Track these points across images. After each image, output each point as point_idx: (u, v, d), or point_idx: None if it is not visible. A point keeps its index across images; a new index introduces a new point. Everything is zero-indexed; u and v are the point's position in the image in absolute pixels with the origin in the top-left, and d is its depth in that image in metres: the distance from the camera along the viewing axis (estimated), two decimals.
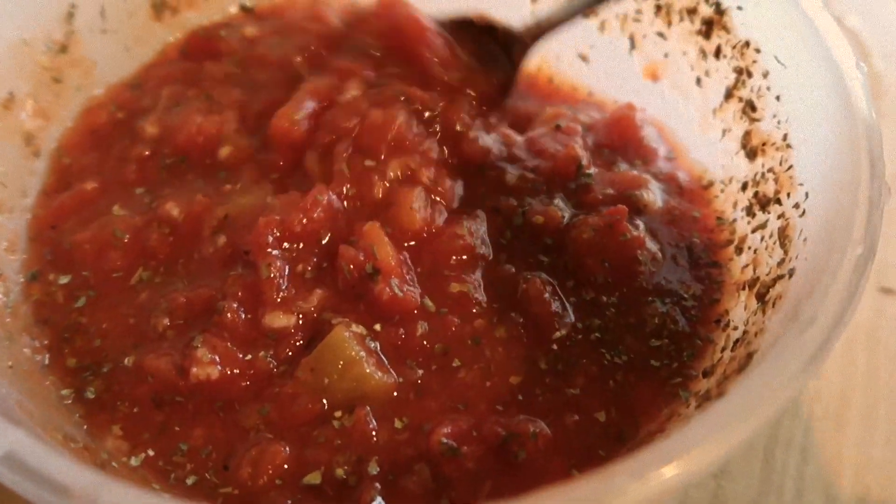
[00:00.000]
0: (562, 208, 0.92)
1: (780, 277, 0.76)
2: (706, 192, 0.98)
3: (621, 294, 0.86)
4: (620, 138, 1.02)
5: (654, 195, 0.94)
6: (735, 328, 0.80)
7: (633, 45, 1.09)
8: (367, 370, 0.77)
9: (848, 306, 0.62)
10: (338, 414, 0.76)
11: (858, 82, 0.76)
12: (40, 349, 0.83)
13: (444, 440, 0.73)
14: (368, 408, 0.76)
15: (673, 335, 0.83)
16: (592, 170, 0.96)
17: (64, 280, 0.88)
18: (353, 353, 0.78)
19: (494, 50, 1.00)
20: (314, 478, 0.73)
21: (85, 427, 0.77)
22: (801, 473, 0.93)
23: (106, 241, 0.88)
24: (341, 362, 0.77)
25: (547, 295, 0.84)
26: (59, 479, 0.54)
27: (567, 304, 0.85)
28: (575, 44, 1.12)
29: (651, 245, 0.88)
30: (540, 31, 0.98)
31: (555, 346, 0.82)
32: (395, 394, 0.78)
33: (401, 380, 0.79)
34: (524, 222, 0.91)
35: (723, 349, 0.79)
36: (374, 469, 0.73)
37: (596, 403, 0.79)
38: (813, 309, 0.63)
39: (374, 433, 0.75)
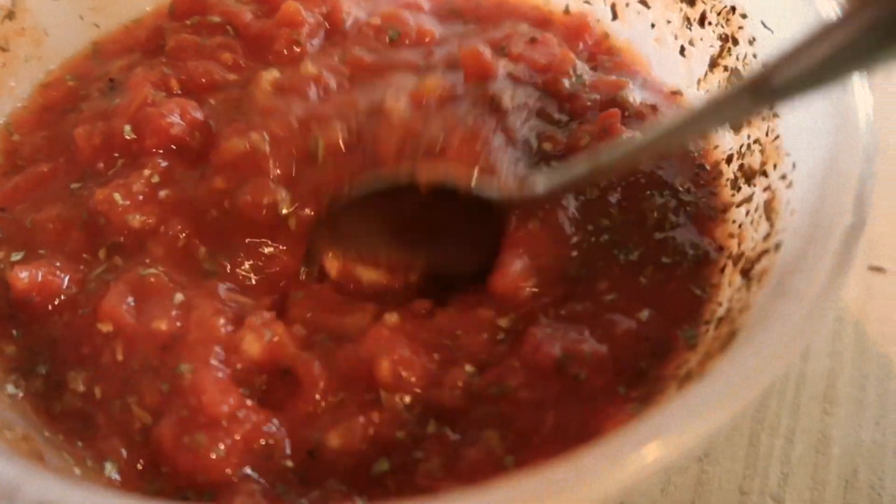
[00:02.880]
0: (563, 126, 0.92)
1: (766, 252, 0.73)
2: (676, 97, 0.98)
3: (623, 189, 0.86)
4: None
5: (635, 95, 0.95)
6: (720, 303, 0.76)
7: (614, 16, 1.07)
8: None
9: (837, 279, 0.59)
10: None
11: None
12: None
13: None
14: None
15: (674, 227, 0.83)
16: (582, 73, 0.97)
17: (16, 257, 0.83)
18: None
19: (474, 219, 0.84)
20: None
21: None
22: (787, 456, 0.90)
23: (71, 219, 0.83)
24: None
25: (565, 200, 0.84)
26: None
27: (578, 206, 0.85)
28: None
29: None
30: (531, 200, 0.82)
31: (574, 253, 0.81)
32: None
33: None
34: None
35: (706, 322, 0.76)
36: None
37: (635, 306, 0.77)
38: (799, 283, 0.59)
39: None
